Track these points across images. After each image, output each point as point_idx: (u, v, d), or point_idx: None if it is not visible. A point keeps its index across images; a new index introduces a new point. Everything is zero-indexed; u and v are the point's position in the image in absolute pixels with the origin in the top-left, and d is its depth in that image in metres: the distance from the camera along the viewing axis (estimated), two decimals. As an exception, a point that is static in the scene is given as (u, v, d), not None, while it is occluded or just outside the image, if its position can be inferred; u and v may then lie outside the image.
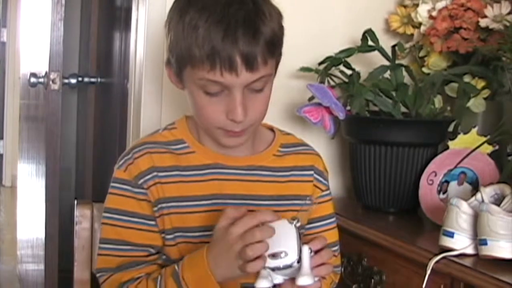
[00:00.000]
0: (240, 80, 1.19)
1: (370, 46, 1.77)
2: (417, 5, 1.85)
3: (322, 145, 1.78)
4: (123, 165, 1.29)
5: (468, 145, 1.63)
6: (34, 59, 3.02)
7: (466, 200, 1.36)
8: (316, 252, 1.16)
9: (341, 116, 1.70)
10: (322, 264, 1.16)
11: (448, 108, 1.74)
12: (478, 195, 1.38)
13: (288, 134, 1.40)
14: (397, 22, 1.90)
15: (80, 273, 1.46)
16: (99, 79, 2.84)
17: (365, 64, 1.82)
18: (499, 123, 1.67)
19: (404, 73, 1.75)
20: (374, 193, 1.72)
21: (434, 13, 1.79)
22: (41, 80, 2.55)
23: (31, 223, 3.10)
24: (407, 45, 1.86)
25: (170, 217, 1.27)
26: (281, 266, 1.12)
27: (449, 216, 1.36)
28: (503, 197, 1.36)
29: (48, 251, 2.58)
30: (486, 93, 1.71)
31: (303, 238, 1.16)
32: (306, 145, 1.40)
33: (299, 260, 1.12)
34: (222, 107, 1.22)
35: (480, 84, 1.70)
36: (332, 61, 1.76)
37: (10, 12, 6.45)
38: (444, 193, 1.63)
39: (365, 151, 1.70)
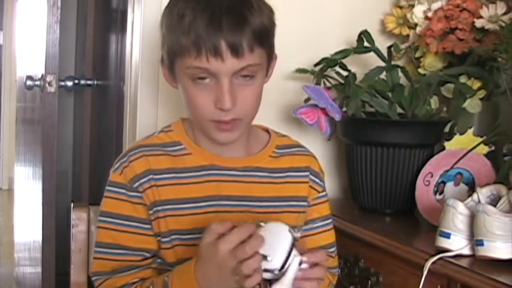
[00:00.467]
0: (226, 67, 1.20)
1: (366, 47, 1.78)
2: (412, 6, 1.85)
3: (318, 147, 1.78)
4: (118, 168, 1.28)
5: (464, 146, 1.63)
6: (30, 61, 3.01)
7: (462, 200, 1.37)
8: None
9: (337, 117, 1.70)
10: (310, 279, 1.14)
11: (444, 108, 1.74)
12: (475, 196, 1.38)
13: (284, 135, 1.40)
14: (393, 23, 1.90)
15: (77, 276, 1.46)
16: (95, 82, 2.84)
17: (361, 65, 1.82)
18: (495, 124, 1.68)
19: (400, 74, 1.76)
20: (371, 194, 1.72)
21: (429, 14, 1.79)
22: (38, 82, 2.55)
23: (28, 226, 3.10)
24: (402, 46, 1.87)
25: (166, 220, 1.27)
26: (263, 268, 1.12)
27: (445, 217, 1.36)
28: (499, 198, 1.37)
29: (45, 254, 2.58)
30: (482, 93, 1.71)
31: (298, 246, 1.15)
32: (302, 146, 1.40)
33: (282, 269, 1.11)
34: (211, 97, 1.22)
35: (476, 84, 1.70)
36: (328, 63, 1.77)
37: (6, 15, 6.45)
38: (440, 194, 1.63)
39: (361, 152, 1.70)
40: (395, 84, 1.73)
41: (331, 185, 1.88)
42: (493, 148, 1.65)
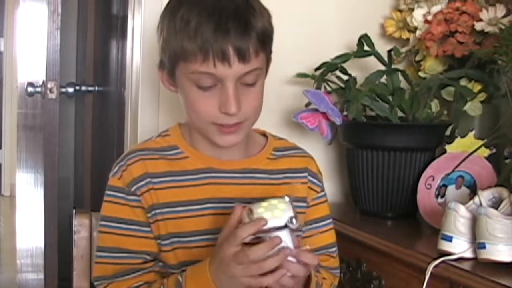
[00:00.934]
0: (233, 72, 1.20)
1: (366, 51, 1.78)
2: (412, 10, 1.85)
3: (319, 151, 1.78)
4: (117, 172, 1.29)
5: (466, 149, 1.62)
6: (31, 68, 3.01)
7: (464, 204, 1.36)
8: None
9: (338, 121, 1.70)
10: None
11: (445, 112, 1.74)
12: (476, 199, 1.38)
13: (281, 138, 1.41)
14: (393, 27, 1.90)
15: (79, 282, 1.46)
16: (96, 88, 2.83)
17: (361, 69, 1.83)
18: (496, 126, 1.68)
19: (401, 77, 1.76)
20: (372, 198, 1.71)
21: (429, 17, 1.79)
22: (39, 89, 2.55)
23: (30, 232, 3.09)
24: (403, 50, 1.87)
25: (165, 223, 1.27)
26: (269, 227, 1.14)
27: (447, 220, 1.36)
28: (501, 200, 1.37)
29: (48, 260, 2.58)
30: (482, 96, 1.71)
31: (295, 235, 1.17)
32: (299, 148, 1.41)
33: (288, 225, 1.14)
34: (215, 101, 1.23)
35: (477, 87, 1.70)
36: (328, 67, 1.77)
37: (7, 22, 6.46)
38: (442, 197, 1.63)
39: (362, 156, 1.70)
40: (396, 88, 1.73)
41: (332, 189, 1.88)
42: (494, 150, 1.65)
